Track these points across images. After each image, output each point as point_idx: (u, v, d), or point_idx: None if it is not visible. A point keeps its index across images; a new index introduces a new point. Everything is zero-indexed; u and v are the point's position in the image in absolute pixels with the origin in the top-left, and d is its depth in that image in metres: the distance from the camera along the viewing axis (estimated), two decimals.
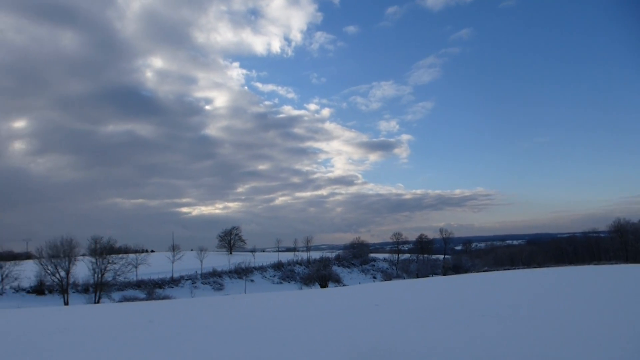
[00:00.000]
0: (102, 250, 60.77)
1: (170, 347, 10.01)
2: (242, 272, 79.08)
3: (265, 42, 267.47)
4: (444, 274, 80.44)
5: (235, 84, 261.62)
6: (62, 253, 56.20)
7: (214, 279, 74.47)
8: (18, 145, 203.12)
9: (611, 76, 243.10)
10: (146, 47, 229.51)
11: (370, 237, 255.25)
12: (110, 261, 59.73)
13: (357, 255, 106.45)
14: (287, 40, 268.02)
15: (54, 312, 25.56)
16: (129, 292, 58.65)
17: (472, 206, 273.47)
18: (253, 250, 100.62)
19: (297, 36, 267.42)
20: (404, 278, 77.83)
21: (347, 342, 9.60)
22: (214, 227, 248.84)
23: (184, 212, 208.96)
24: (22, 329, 16.13)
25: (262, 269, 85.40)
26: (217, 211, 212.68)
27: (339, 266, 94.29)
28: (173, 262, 73.49)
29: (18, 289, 56.48)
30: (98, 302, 53.15)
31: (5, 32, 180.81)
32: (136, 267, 65.62)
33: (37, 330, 15.18)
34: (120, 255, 65.52)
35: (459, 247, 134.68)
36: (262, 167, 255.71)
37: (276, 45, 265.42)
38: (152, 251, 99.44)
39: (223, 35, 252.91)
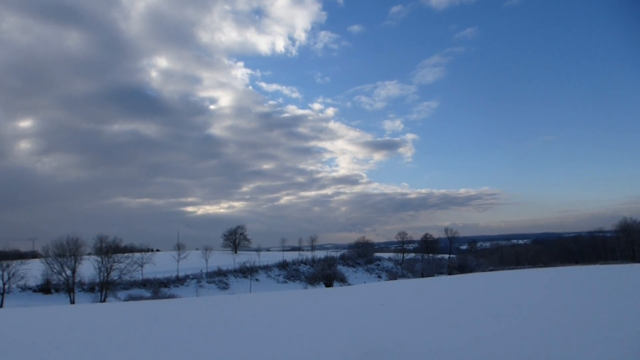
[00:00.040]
0: (108, 249, 60.99)
1: (175, 346, 10.03)
2: (247, 271, 79.17)
3: (270, 41, 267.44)
4: (449, 274, 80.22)
5: (240, 83, 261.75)
6: (68, 252, 56.48)
7: (219, 278, 74.60)
8: (24, 145, 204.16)
9: (617, 75, 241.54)
10: (151, 47, 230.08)
11: (375, 236, 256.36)
12: (116, 260, 59.94)
13: (362, 255, 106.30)
14: (292, 39, 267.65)
15: (61, 311, 25.68)
16: (135, 291, 58.81)
17: (477, 205, 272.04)
18: (258, 250, 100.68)
19: (301, 36, 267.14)
20: (409, 277, 77.66)
21: (352, 342, 9.59)
22: (219, 227, 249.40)
23: (189, 212, 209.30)
24: (29, 327, 16.21)
25: (267, 268, 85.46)
26: (222, 210, 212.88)
27: (343, 265, 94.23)
28: (178, 261, 73.68)
29: (25, 288, 56.74)
30: (104, 301, 53.34)
31: (11, 32, 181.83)
32: (142, 266, 65.85)
33: (44, 329, 15.25)
34: (126, 254, 65.69)
35: (464, 247, 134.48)
36: (266, 166, 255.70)
37: (280, 45, 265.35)
38: (158, 250, 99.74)
39: (227, 34, 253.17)
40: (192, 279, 71.80)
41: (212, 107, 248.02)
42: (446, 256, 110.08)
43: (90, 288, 59.45)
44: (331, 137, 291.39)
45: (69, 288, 54.80)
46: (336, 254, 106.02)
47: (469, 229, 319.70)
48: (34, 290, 57.65)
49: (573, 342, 8.66)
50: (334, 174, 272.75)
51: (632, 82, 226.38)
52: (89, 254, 62.48)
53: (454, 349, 8.31)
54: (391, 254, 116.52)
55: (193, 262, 76.65)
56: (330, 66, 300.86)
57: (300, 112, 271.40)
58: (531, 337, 9.29)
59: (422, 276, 77.03)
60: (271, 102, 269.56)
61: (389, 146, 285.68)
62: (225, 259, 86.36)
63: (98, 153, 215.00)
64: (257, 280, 77.69)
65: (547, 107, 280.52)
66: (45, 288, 58.02)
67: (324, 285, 64.33)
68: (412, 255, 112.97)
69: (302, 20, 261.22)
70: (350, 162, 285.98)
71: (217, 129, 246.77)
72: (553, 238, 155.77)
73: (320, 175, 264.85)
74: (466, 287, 28.42)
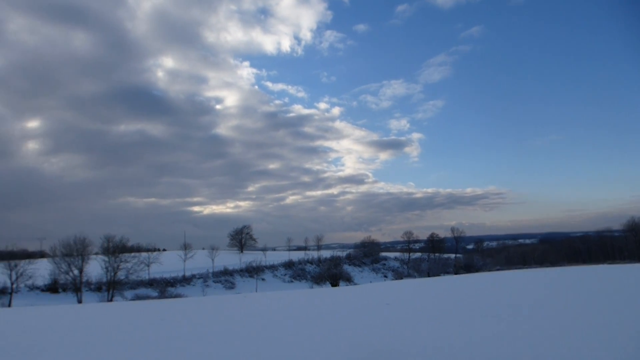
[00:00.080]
0: (115, 249, 61.27)
1: (182, 345, 10.07)
2: (253, 271, 79.27)
3: (275, 41, 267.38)
4: (456, 273, 80.00)
5: (246, 83, 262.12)
6: (76, 252, 56.77)
7: (225, 277, 74.75)
8: (31, 145, 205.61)
9: (623, 75, 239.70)
10: (157, 47, 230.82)
11: (381, 235, 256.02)
12: (122, 260, 60.16)
13: (368, 254, 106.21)
14: (297, 39, 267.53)
15: (68, 310, 25.82)
16: (142, 291, 59.04)
17: (483, 205, 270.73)
18: (264, 249, 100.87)
19: (306, 35, 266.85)
20: (415, 277, 77.52)
21: (358, 342, 9.59)
22: (225, 226, 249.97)
23: (196, 211, 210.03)
24: (37, 327, 16.32)
25: (273, 267, 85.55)
26: (228, 210, 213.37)
27: (349, 265, 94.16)
28: (185, 261, 73.95)
29: (32, 287, 57.12)
30: (111, 300, 53.59)
31: (18, 33, 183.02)
32: (148, 266, 66.11)
33: (52, 328, 15.35)
34: (133, 254, 65.92)
35: (470, 246, 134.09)
36: (272, 166, 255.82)
37: (286, 44, 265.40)
38: (164, 250, 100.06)
39: (233, 34, 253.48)
40: (198, 278, 72.00)
41: (218, 106, 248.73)
42: (452, 256, 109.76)
43: (98, 287, 59.74)
44: (337, 137, 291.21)
45: (76, 287, 55.08)
46: (342, 253, 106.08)
47: (475, 229, 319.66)
48: (42, 290, 58.03)
49: (578, 343, 8.62)
50: (340, 174, 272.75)
51: (638, 82, 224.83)
52: (96, 253, 62.80)
53: (460, 349, 8.28)
54: (397, 254, 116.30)
55: (199, 261, 76.90)
56: (336, 65, 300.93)
57: (306, 111, 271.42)
58: (537, 337, 9.25)
59: (428, 276, 76.86)
60: (277, 102, 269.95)
61: (395, 145, 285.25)
62: (231, 259, 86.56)
63: (105, 153, 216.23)
64: (263, 279, 77.81)
65: (554, 106, 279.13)
66: (53, 287, 58.38)
67: (330, 285, 64.28)
68: (418, 254, 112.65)
69: (307, 20, 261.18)
70: (356, 162, 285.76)
71: (223, 129, 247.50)
72: (560, 237, 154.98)
73: (326, 174, 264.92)
74: (472, 287, 28.34)
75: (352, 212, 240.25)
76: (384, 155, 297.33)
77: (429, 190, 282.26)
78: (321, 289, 52.83)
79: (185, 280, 70.27)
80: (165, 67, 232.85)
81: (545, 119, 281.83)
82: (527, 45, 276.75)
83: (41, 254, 78.50)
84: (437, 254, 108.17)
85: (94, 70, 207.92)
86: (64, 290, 58.05)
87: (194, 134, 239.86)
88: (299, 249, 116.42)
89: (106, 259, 58.63)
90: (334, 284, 64.43)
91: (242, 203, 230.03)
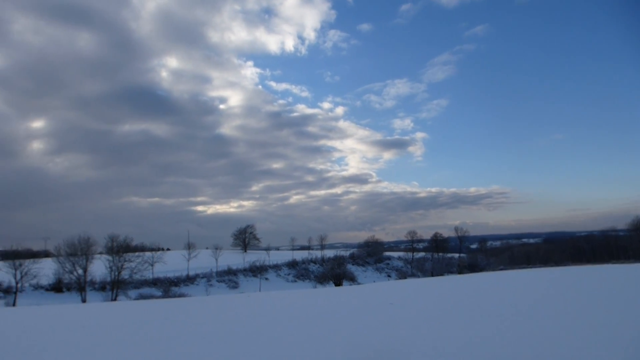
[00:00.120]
0: (119, 249, 61.45)
1: (185, 344, 10.07)
2: (256, 271, 79.34)
3: (279, 40, 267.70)
4: (459, 273, 79.83)
5: (249, 83, 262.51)
6: (80, 251, 57.00)
7: (229, 277, 74.82)
8: (36, 145, 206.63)
9: (628, 74, 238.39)
10: (161, 47, 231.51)
11: (384, 235, 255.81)
12: (126, 259, 60.36)
13: (372, 254, 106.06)
14: (301, 38, 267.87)
15: (72, 309, 25.92)
16: (146, 290, 59.16)
17: (487, 204, 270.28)
18: (267, 249, 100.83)
19: (310, 35, 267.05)
20: (419, 277, 77.44)
21: (361, 341, 9.57)
22: (229, 226, 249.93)
23: (199, 211, 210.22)
24: (42, 326, 16.38)
25: (276, 267, 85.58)
26: (232, 210, 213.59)
27: (353, 264, 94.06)
28: (188, 260, 74.03)
29: (37, 287, 57.36)
30: (115, 299, 53.76)
31: (23, 33, 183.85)
32: (152, 265, 66.23)
33: (56, 327, 15.40)
34: (137, 254, 66.13)
35: (474, 246, 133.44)
36: (276, 165, 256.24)
37: (290, 44, 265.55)
38: (168, 249, 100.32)
39: (237, 34, 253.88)
40: (202, 278, 72.10)
41: (221, 106, 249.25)
42: (456, 255, 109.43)
43: (102, 287, 59.92)
44: (341, 136, 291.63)
45: (80, 287, 55.30)
46: (346, 253, 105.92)
47: (479, 228, 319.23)
48: (46, 289, 58.26)
49: (582, 343, 8.57)
50: (344, 173, 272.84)
51: None
52: (100, 253, 63.03)
53: (463, 349, 8.25)
54: (401, 253, 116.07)
55: (203, 261, 76.98)
56: (340, 65, 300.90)
57: (310, 111, 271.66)
58: (541, 337, 9.21)
59: (432, 275, 76.77)
60: (281, 102, 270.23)
61: (399, 145, 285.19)
62: (235, 258, 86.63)
63: (109, 153, 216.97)
64: (266, 279, 77.85)
65: (558, 105, 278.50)
66: (57, 287, 58.60)
67: (333, 285, 64.28)
68: (421, 254, 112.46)
69: (311, 19, 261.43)
70: (359, 161, 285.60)
71: (226, 129, 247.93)
72: (564, 237, 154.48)
73: (329, 174, 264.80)
74: (476, 286, 28.28)
75: (355, 212, 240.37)
76: (387, 155, 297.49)
77: (433, 189, 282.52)
78: (325, 288, 52.86)
79: (189, 279, 70.39)
80: (169, 67, 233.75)
81: (549, 118, 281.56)
82: (531, 45, 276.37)
83: (45, 254, 78.86)
84: (440, 254, 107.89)
85: (98, 70, 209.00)
86: (68, 289, 58.27)
87: (198, 134, 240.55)
88: (303, 248, 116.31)
89: (110, 258, 58.85)
90: (338, 283, 64.41)
91: (245, 203, 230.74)
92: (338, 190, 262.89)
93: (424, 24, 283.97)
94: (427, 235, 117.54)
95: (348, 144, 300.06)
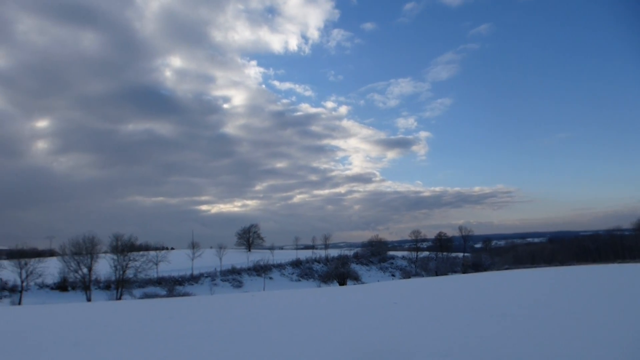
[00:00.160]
0: (124, 248, 61.66)
1: (190, 343, 10.10)
2: (260, 270, 79.44)
3: (283, 40, 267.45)
4: (464, 272, 79.67)
5: (253, 82, 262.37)
6: (85, 250, 57.24)
7: (233, 276, 74.95)
8: (41, 145, 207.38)
9: (634, 72, 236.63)
10: (165, 47, 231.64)
11: (388, 234, 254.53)
12: (131, 258, 60.57)
13: (376, 253, 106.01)
14: (304, 38, 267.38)
15: (77, 308, 26.03)
16: (150, 289, 59.35)
17: (491, 203, 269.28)
18: (271, 248, 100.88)
19: (314, 34, 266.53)
20: (423, 276, 77.37)
21: (365, 341, 9.57)
22: (233, 225, 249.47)
23: (203, 210, 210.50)
24: (47, 324, 16.46)
25: (280, 266, 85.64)
26: (236, 209, 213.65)
27: (357, 264, 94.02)
28: (193, 260, 74.19)
29: (42, 286, 57.65)
30: (120, 298, 53.96)
31: (28, 33, 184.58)
32: (157, 265, 66.43)
33: (61, 326, 15.47)
34: (141, 253, 66.35)
35: (478, 245, 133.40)
36: (280, 165, 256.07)
37: (293, 43, 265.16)
38: (172, 248, 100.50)
39: (241, 33, 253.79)
40: (206, 277, 72.25)
41: (225, 106, 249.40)
42: (460, 255, 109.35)
43: (106, 286, 60.16)
44: (344, 136, 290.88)
45: (85, 286, 55.53)
46: (349, 252, 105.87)
47: (483, 227, 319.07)
48: (52, 288, 58.52)
49: (587, 343, 8.54)
50: (347, 173, 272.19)
51: None
52: (105, 252, 63.28)
53: (467, 349, 8.24)
54: (405, 253, 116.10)
55: (207, 260, 77.14)
56: (343, 64, 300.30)
57: (314, 110, 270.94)
58: (545, 337, 9.18)
59: (436, 275, 76.66)
60: (284, 101, 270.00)
61: (403, 144, 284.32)
62: (239, 258, 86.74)
63: (113, 152, 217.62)
64: (270, 278, 77.93)
65: (563, 104, 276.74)
66: (62, 286, 58.85)
67: (337, 284, 64.28)
68: (426, 253, 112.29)
69: (315, 19, 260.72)
70: (363, 161, 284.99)
71: (230, 128, 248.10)
72: (569, 236, 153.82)
73: (333, 173, 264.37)
74: (480, 286, 28.22)
75: (359, 211, 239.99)
76: (391, 154, 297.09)
77: (437, 189, 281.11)
78: (329, 287, 52.85)
79: (193, 279, 70.55)
80: (173, 67, 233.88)
81: (554, 117, 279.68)
82: (536, 43, 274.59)
83: (51, 253, 79.24)
84: (445, 253, 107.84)
85: (102, 70, 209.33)
86: (73, 288, 58.52)
87: (202, 133, 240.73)
88: (307, 247, 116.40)
89: (115, 257, 59.07)
90: (342, 282, 64.40)
91: (249, 202, 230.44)
92: (342, 189, 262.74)
93: (428, 23, 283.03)
94: (431, 234, 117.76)
95: (352, 143, 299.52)
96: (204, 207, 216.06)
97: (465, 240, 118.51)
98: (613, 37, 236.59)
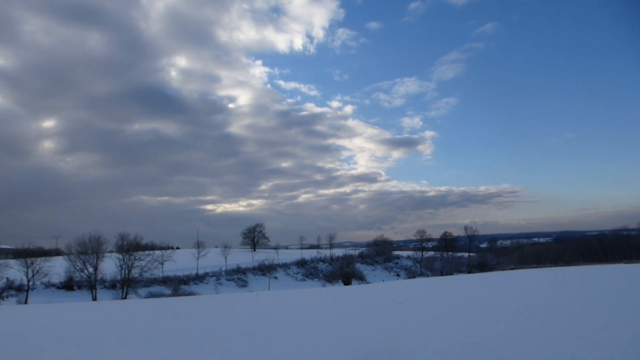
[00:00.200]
0: (129, 247, 61.86)
1: (195, 342, 10.11)
2: (265, 269, 79.53)
3: (288, 39, 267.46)
4: (469, 272, 79.50)
5: (258, 82, 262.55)
6: (91, 249, 57.50)
7: (238, 275, 75.07)
8: (47, 145, 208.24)
9: None
10: (170, 47, 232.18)
11: (393, 234, 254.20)
12: (136, 258, 60.77)
13: (381, 253, 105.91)
14: (309, 37, 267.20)
15: (83, 307, 26.14)
16: (155, 288, 59.46)
17: (497, 203, 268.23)
18: (276, 248, 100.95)
19: (319, 33, 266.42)
20: (428, 276, 77.24)
21: (370, 340, 9.56)
22: (238, 225, 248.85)
23: (209, 210, 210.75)
24: (53, 323, 16.53)
25: (285, 266, 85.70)
26: (241, 208, 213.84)
27: (362, 263, 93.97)
28: (198, 259, 74.34)
29: (48, 285, 57.90)
30: (125, 297, 54.16)
31: (34, 34, 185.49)
32: (162, 264, 66.59)
33: (67, 325, 15.53)
34: (147, 252, 66.54)
35: (484, 245, 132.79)
36: (285, 164, 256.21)
37: (298, 43, 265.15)
38: (178, 248, 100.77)
39: (246, 33, 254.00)
40: (211, 276, 72.39)
41: (230, 105, 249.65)
42: (466, 254, 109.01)
43: (112, 285, 60.36)
44: (349, 135, 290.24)
45: (91, 285, 55.76)
46: (354, 252, 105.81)
47: (489, 227, 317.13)
48: (58, 287, 58.76)
49: (592, 343, 8.49)
50: (353, 172, 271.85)
51: None
52: (111, 251, 63.48)
53: (472, 349, 8.21)
54: (410, 252, 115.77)
55: (212, 259, 77.27)
56: (349, 63, 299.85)
57: (319, 110, 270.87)
58: (549, 337, 9.13)
59: (441, 275, 76.48)
60: (289, 100, 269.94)
61: (408, 143, 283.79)
62: (244, 257, 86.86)
63: (119, 152, 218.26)
64: (275, 278, 77.99)
65: (569, 103, 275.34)
66: (68, 285, 59.10)
67: (342, 284, 64.27)
68: (431, 253, 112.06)
69: (320, 18, 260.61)
70: (368, 160, 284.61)
71: (235, 128, 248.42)
72: (575, 236, 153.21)
73: (338, 173, 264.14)
74: (486, 286, 28.14)
75: (364, 211, 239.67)
76: (396, 154, 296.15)
77: (442, 188, 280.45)
78: (333, 287, 52.86)
79: (199, 278, 70.69)
80: (178, 67, 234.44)
81: (560, 116, 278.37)
82: (541, 42, 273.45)
83: (57, 252, 79.61)
84: (450, 253, 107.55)
85: (108, 70, 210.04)
86: (79, 287, 58.76)
87: (207, 133, 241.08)
88: (312, 247, 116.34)
89: (120, 257, 59.26)
90: (347, 282, 64.38)
91: (254, 201, 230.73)
92: (347, 189, 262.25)
93: (433, 22, 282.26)
94: (437, 234, 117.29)
95: (357, 142, 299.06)
96: (209, 207, 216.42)
97: (470, 240, 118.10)
98: (620, 36, 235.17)
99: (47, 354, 9.45)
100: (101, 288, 58.68)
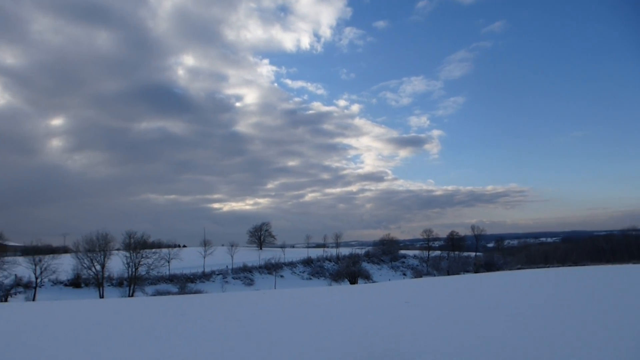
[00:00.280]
0: (136, 245, 62.22)
1: (201, 340, 10.12)
2: (272, 268, 79.66)
3: (295, 38, 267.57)
4: (476, 272, 79.17)
5: (265, 80, 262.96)
6: (98, 247, 57.90)
7: (244, 274, 75.26)
8: (55, 143, 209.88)
9: None
10: (178, 45, 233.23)
11: (400, 233, 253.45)
12: (143, 256, 61.15)
13: (387, 252, 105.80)
14: (317, 36, 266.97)
15: (90, 305, 26.27)
16: (162, 286, 59.77)
17: (504, 202, 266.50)
18: (283, 246, 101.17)
19: (326, 32, 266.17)
20: (435, 275, 77.00)
21: (375, 340, 9.51)
22: (245, 223, 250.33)
23: (215, 208, 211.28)
24: (61, 320, 16.62)
25: (291, 264, 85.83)
26: (248, 207, 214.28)
27: (368, 263, 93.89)
28: (204, 257, 74.61)
29: (56, 282, 58.38)
30: (132, 295, 54.43)
31: (43, 33, 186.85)
32: (169, 262, 66.91)
33: (75, 322, 15.61)
34: (154, 250, 66.92)
35: (491, 245, 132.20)
36: (291, 163, 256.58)
37: (305, 42, 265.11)
38: (184, 246, 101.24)
39: (253, 32, 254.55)
40: (217, 274, 72.62)
41: (237, 104, 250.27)
42: (472, 254, 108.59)
43: (119, 283, 60.73)
44: (356, 134, 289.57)
45: (98, 282, 56.13)
46: (361, 251, 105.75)
47: (496, 227, 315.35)
48: (65, 285, 59.25)
49: (597, 343, 8.41)
50: (359, 171, 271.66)
51: None
52: (118, 249, 63.90)
53: (478, 348, 8.15)
54: (416, 252, 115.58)
55: (219, 258, 77.52)
56: (356, 62, 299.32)
57: (326, 108, 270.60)
58: (554, 337, 9.06)
59: (448, 274, 76.22)
60: (296, 99, 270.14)
61: (415, 142, 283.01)
62: (250, 255, 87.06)
63: (126, 150, 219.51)
64: (281, 276, 78.09)
65: (577, 102, 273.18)
66: (76, 282, 59.55)
67: (348, 283, 64.22)
68: (437, 252, 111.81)
69: (327, 17, 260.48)
70: (375, 159, 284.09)
71: (242, 126, 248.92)
72: (583, 236, 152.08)
73: (345, 172, 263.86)
74: (492, 285, 28.00)
75: (371, 210, 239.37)
76: (403, 153, 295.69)
77: (449, 187, 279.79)
78: (340, 286, 52.81)
79: (205, 276, 70.94)
80: (186, 65, 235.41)
81: (568, 115, 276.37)
82: (549, 41, 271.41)
83: (64, 249, 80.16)
84: (457, 252, 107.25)
85: (116, 68, 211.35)
86: (87, 285, 59.18)
87: (214, 132, 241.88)
88: (318, 246, 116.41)
89: (127, 254, 59.60)
90: (353, 281, 64.32)
91: (261, 200, 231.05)
92: (353, 188, 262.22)
93: (441, 21, 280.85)
94: (443, 233, 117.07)
95: (364, 141, 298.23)
96: (216, 205, 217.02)
97: (477, 240, 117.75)
98: (629, 36, 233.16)
99: (54, 350, 9.49)
100: (108, 286, 59.07)
